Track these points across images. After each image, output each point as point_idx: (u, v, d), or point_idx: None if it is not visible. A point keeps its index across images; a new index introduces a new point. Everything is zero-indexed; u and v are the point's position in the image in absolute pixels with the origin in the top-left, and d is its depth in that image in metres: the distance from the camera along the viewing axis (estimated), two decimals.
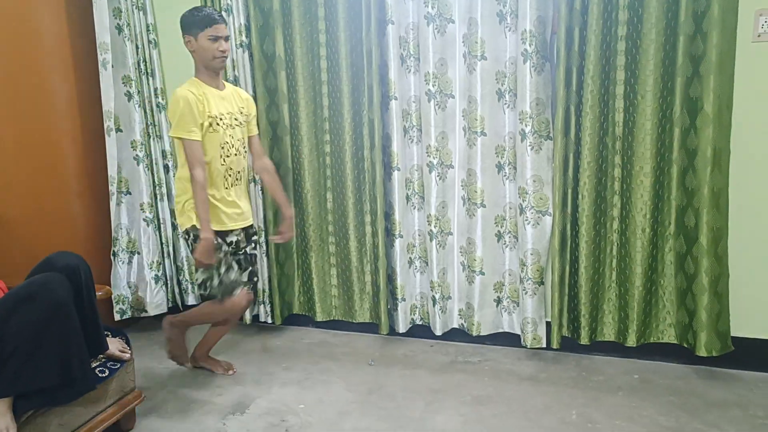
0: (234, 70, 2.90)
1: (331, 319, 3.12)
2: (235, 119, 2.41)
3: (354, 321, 3.08)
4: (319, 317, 3.12)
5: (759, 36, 2.31)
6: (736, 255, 2.44)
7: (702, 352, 2.43)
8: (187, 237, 2.44)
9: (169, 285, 3.24)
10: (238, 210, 2.46)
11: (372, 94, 2.74)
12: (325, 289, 3.11)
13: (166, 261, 3.23)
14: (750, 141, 2.37)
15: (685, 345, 2.54)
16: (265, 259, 3.05)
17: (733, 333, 2.48)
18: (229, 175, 2.41)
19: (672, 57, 2.37)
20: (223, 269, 2.37)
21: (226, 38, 2.33)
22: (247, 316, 3.14)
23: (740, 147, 2.37)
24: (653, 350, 2.64)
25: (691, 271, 2.45)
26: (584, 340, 2.66)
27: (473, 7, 2.57)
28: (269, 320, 3.13)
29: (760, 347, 2.50)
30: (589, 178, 2.54)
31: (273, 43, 2.88)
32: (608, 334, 2.66)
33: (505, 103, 2.64)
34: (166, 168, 3.21)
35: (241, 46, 2.86)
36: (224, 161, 2.37)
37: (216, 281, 2.36)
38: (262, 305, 3.11)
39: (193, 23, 2.29)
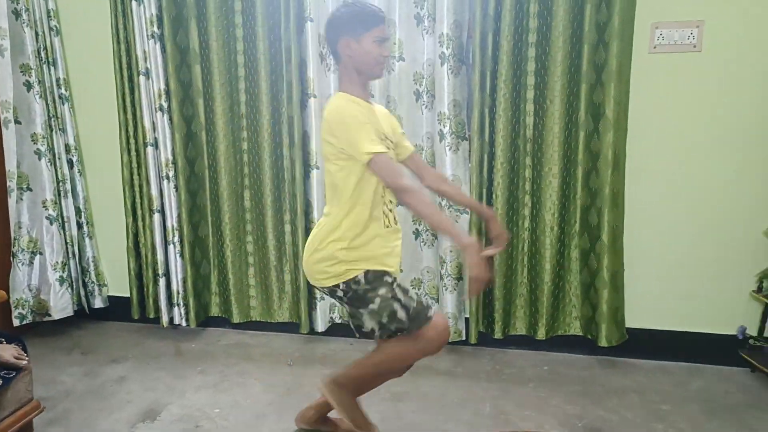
0: (145, 62, 2.77)
1: (249, 320, 3.06)
2: (391, 141, 1.91)
3: (273, 321, 3.03)
4: (237, 318, 3.05)
5: (655, 47, 2.49)
6: (631, 251, 2.61)
7: (603, 343, 2.60)
8: (346, 292, 1.84)
9: (74, 287, 3.06)
10: (396, 246, 1.93)
11: (291, 91, 2.70)
12: (243, 289, 3.04)
13: (71, 262, 3.04)
14: (645, 144, 2.55)
15: (590, 336, 2.69)
16: (179, 259, 2.94)
17: (630, 324, 2.66)
18: (389, 209, 1.89)
19: (577, 64, 2.50)
20: (401, 295, 1.82)
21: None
22: (164, 319, 3.01)
23: (635, 150, 2.53)
24: (561, 342, 2.78)
25: (594, 266, 2.60)
26: (498, 334, 2.76)
27: (391, 8, 2.60)
28: (184, 323, 3.02)
29: (655, 337, 2.69)
30: (502, 178, 2.64)
31: (187, 36, 2.77)
32: (520, 328, 2.78)
33: (423, 104, 2.68)
34: (70, 163, 3.02)
35: (153, 37, 2.73)
36: (384, 191, 1.84)
37: (402, 313, 1.79)
38: (177, 307, 3.00)
39: (357, 22, 1.77)
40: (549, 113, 2.57)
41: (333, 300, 2.10)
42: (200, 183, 2.95)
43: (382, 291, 1.80)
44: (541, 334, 2.73)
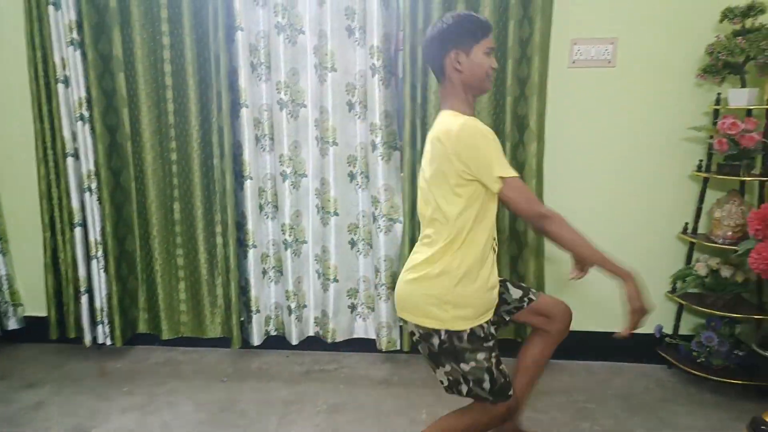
0: (64, 69, 2.65)
1: (180, 336, 2.95)
2: None
3: (205, 337, 2.95)
4: (166, 335, 2.93)
5: (574, 62, 2.62)
6: (552, 257, 2.70)
7: None
8: (442, 343, 1.64)
9: None
10: (496, 289, 1.76)
11: (221, 101, 2.65)
12: (173, 304, 2.93)
13: None
14: (564, 155, 2.67)
15: (519, 340, 2.77)
16: (103, 275, 2.81)
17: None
18: (494, 248, 1.75)
19: (502, 78, 2.59)
20: (495, 368, 1.67)
21: None
22: (87, 339, 2.86)
23: (556, 160, 2.65)
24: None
25: (522, 272, 2.69)
26: None
27: (323, 20, 2.61)
28: (109, 341, 2.87)
29: (580, 338, 2.80)
30: None
31: (110, 43, 2.67)
32: None
33: (356, 114, 2.70)
34: None
35: (72, 44, 2.61)
36: (494, 227, 1.70)
37: (487, 385, 1.65)
38: (101, 325, 2.85)
39: (466, 33, 1.62)
40: None
41: (417, 343, 1.74)
42: (126, 195, 2.83)
43: (480, 356, 1.63)
44: None
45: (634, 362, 2.80)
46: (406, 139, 2.63)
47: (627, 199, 2.70)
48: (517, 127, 2.62)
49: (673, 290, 2.70)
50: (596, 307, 2.79)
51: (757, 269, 2.05)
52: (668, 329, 2.74)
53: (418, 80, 2.60)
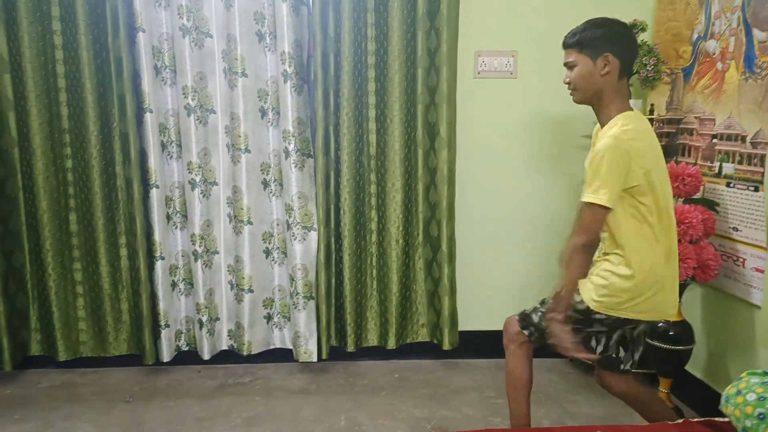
0: None
1: (78, 356, 2.75)
2: None
3: (107, 355, 2.76)
4: (63, 356, 2.71)
5: (479, 73, 2.75)
6: (464, 259, 2.82)
7: (446, 347, 2.77)
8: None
9: None
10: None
11: (124, 105, 2.51)
12: (70, 323, 2.72)
13: None
14: (472, 160, 2.79)
15: (435, 341, 2.85)
16: None
17: (468, 327, 2.86)
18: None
19: (413, 86, 2.66)
20: None
21: None
22: None
23: (464, 166, 2.76)
24: (410, 350, 2.90)
25: (437, 275, 2.77)
26: (350, 347, 2.80)
27: (231, 23, 2.55)
28: None
29: (489, 337, 2.92)
30: (349, 194, 2.70)
31: None
32: (371, 339, 2.85)
33: (269, 121, 2.66)
34: None
35: None
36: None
37: None
38: None
39: (625, 44, 1.70)
40: (390, 131, 2.70)
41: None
42: (13, 205, 2.60)
43: None
44: (391, 344, 2.83)
45: (539, 357, 2.93)
46: (319, 146, 2.62)
47: (528, 202, 2.86)
48: (428, 134, 2.69)
49: None
50: (503, 306, 2.91)
51: None
52: None
53: (331, 87, 2.61)
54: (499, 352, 2.88)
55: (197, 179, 2.64)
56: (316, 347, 2.76)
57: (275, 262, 2.79)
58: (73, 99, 2.58)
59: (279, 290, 2.82)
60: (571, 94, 1.76)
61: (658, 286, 1.68)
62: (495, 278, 2.91)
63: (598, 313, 1.70)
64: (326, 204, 2.69)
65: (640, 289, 1.66)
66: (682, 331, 2.28)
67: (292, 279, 2.71)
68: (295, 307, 2.73)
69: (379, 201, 2.77)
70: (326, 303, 2.73)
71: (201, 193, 2.66)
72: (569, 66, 1.72)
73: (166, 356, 2.72)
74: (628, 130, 1.60)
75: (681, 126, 2.47)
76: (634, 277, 1.65)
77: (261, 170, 2.71)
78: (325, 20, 2.54)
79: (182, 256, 2.74)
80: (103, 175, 2.64)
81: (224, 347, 2.81)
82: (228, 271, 2.76)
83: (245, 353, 2.78)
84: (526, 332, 1.87)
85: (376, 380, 2.72)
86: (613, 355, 1.85)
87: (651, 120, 2.56)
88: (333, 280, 2.77)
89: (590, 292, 1.71)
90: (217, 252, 2.74)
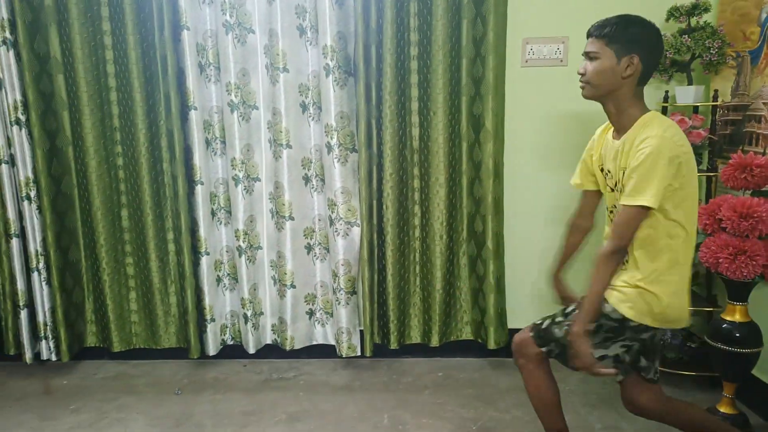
0: None
1: (131, 348, 2.83)
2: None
3: (158, 347, 2.84)
4: (117, 347, 2.81)
5: (527, 61, 2.63)
6: (510, 255, 2.72)
7: (492, 345, 2.69)
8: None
9: None
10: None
11: (170, 103, 2.55)
12: (123, 315, 2.81)
13: None
14: (520, 153, 2.68)
15: (480, 340, 2.78)
16: (45, 287, 2.67)
17: (514, 325, 2.77)
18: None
19: (457, 77, 2.58)
20: None
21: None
22: (28, 355, 2.71)
23: (511, 158, 2.66)
24: (454, 348, 2.84)
25: (481, 272, 2.69)
26: (394, 344, 2.76)
27: (273, 18, 2.54)
28: (54, 357, 2.73)
29: None
30: (392, 189, 2.66)
31: (46, 43, 2.53)
32: (414, 336, 2.81)
33: (310, 116, 2.64)
34: None
35: (5, 43, 2.47)
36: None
37: None
38: (45, 341, 2.71)
39: (653, 46, 1.57)
40: (433, 124, 2.63)
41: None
42: (69, 203, 2.70)
43: None
44: (435, 341, 2.78)
45: None
46: (362, 140, 2.58)
47: (577, 197, 2.72)
48: (473, 126, 2.61)
49: None
50: (551, 304, 2.81)
51: (706, 263, 2.09)
52: None
53: (373, 79, 2.56)
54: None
55: (240, 175, 2.65)
56: (359, 342, 2.74)
57: (317, 258, 2.78)
58: (123, 98, 2.64)
59: (321, 286, 2.81)
60: (581, 87, 1.64)
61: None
62: (542, 276, 2.80)
63: (631, 320, 1.59)
64: (369, 199, 2.65)
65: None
66: (748, 333, 2.12)
67: (334, 275, 2.70)
68: (339, 303, 2.71)
69: (423, 196, 2.71)
70: (369, 300, 2.70)
71: (244, 189, 2.67)
72: (590, 57, 1.59)
73: (211, 350, 2.77)
74: (675, 132, 1.51)
75: (748, 113, 2.29)
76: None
77: (302, 166, 2.70)
78: (368, 11, 2.49)
79: (226, 251, 2.78)
80: (151, 172, 2.70)
81: (268, 341, 2.84)
82: (271, 266, 2.77)
83: (288, 348, 2.79)
84: (544, 349, 1.74)
85: (420, 378, 2.68)
86: (638, 365, 1.74)
87: (715, 107, 2.39)
88: (375, 277, 2.74)
89: (622, 301, 1.60)
90: (260, 247, 2.75)
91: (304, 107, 2.64)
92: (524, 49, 2.61)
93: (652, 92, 2.60)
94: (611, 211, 1.70)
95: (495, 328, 2.66)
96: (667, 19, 2.45)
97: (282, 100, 2.60)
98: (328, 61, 2.50)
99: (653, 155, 1.46)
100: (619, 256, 1.57)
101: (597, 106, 2.67)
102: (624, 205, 1.52)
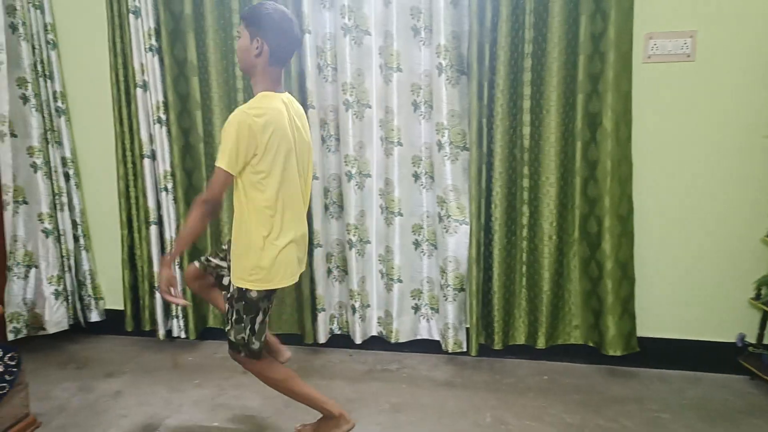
0: (143, 74, 2.78)
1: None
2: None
3: (273, 333, 3.01)
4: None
5: (649, 57, 2.52)
6: (642, 260, 2.61)
7: (608, 351, 2.59)
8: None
9: (70, 301, 3.03)
10: None
11: None
12: None
13: (67, 275, 3.01)
14: (643, 154, 2.56)
15: (591, 344, 2.69)
16: (179, 271, 2.93)
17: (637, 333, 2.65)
18: None
19: (573, 75, 2.52)
20: None
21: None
22: (161, 332, 2.99)
23: (636, 159, 2.55)
24: (561, 351, 2.77)
25: (595, 275, 2.60)
26: (498, 345, 2.75)
27: (389, 20, 2.62)
28: (183, 335, 2.99)
29: (654, 345, 2.69)
30: (501, 187, 2.65)
31: (185, 48, 2.78)
32: (519, 337, 2.77)
33: (421, 114, 2.70)
34: (66, 176, 3.01)
35: (151, 50, 2.74)
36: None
37: None
38: (175, 319, 2.98)
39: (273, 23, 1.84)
40: (545, 123, 2.58)
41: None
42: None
43: None
44: (540, 343, 2.73)
45: (712, 372, 2.65)
46: (472, 138, 2.59)
47: (709, 199, 2.56)
48: (588, 125, 2.54)
49: (758, 297, 2.54)
50: (672, 313, 2.67)
51: None
52: (751, 338, 2.58)
53: (486, 78, 2.56)
54: (663, 362, 2.67)
55: (353, 171, 2.76)
56: (465, 339, 2.75)
57: (424, 254, 2.83)
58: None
59: (427, 282, 2.85)
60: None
61: None
62: (665, 282, 2.66)
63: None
64: (478, 197, 2.66)
65: None
66: None
67: (442, 271, 2.73)
68: (446, 299, 2.74)
69: (532, 195, 2.67)
70: (476, 299, 2.71)
71: (356, 185, 2.78)
72: (237, 36, 1.81)
73: (322, 338, 2.90)
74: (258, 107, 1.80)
75: None
76: None
77: (412, 163, 2.76)
78: (483, 10, 2.50)
79: (337, 244, 2.90)
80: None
81: (374, 333, 2.92)
82: (379, 260, 2.86)
83: (393, 341, 2.86)
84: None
85: (524, 380, 2.64)
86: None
87: None
88: (482, 275, 2.74)
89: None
90: (369, 242, 2.85)
91: (415, 106, 2.70)
92: (647, 44, 2.50)
93: None
94: None
95: (612, 333, 2.56)
96: None
97: (394, 98, 2.67)
98: (440, 60, 2.54)
99: (228, 124, 1.73)
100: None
101: (727, 105, 2.50)
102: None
